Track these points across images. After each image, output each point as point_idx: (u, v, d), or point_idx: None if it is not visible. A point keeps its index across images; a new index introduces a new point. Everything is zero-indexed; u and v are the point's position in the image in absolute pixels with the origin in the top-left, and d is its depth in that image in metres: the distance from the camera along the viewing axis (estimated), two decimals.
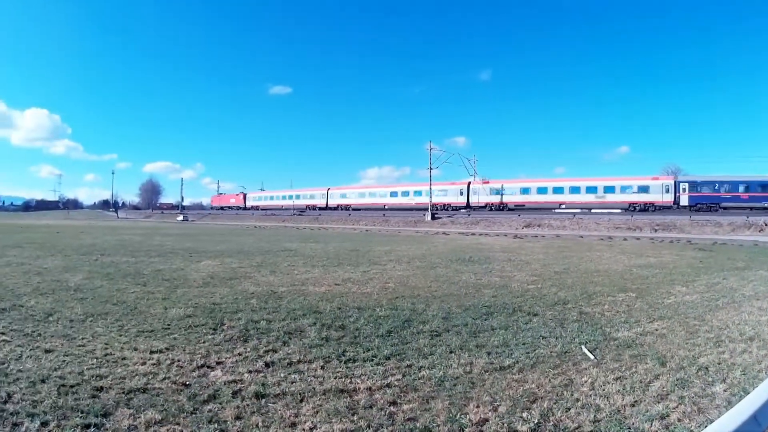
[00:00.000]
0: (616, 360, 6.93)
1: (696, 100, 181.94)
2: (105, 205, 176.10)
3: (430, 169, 69.76)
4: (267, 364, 6.65)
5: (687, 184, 58.11)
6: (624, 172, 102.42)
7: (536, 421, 4.90)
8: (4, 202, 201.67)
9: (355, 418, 4.99)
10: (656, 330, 8.65)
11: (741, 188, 55.18)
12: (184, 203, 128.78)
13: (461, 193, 74.37)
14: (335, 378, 6.17)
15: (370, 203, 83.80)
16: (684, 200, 57.82)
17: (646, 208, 59.55)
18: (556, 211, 58.02)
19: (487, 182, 72.91)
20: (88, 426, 4.64)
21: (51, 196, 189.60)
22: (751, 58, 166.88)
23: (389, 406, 5.30)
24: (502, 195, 69.23)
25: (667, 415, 5.02)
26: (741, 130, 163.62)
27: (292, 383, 5.95)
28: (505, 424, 4.84)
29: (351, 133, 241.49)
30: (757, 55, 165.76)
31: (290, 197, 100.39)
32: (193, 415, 4.96)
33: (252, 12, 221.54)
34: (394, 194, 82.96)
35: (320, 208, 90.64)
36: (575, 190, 64.31)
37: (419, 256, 22.23)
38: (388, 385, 5.92)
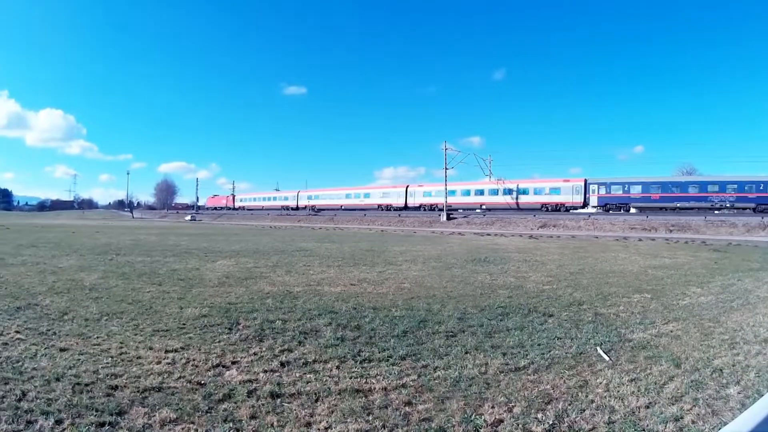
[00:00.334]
0: (631, 361, 6.93)
1: (713, 98, 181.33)
2: (120, 205, 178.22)
3: (446, 169, 69.74)
4: (282, 364, 6.69)
5: (597, 186, 62.12)
6: (639, 172, 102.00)
7: (551, 422, 4.91)
8: (19, 202, 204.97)
9: (370, 418, 5.01)
10: (671, 331, 8.64)
11: (652, 189, 58.60)
12: (199, 203, 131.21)
13: (399, 196, 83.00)
14: (350, 378, 6.20)
15: (336, 204, 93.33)
16: (593, 201, 62.13)
17: (558, 208, 64.45)
18: (477, 210, 64.58)
19: (422, 186, 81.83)
20: (102, 424, 4.70)
21: (66, 196, 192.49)
22: None
23: (404, 406, 5.33)
24: (448, 196, 73.14)
25: (682, 417, 5.01)
26: (760, 129, 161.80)
27: (308, 383, 5.99)
28: (520, 425, 4.85)
29: (366, 133, 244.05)
30: None
31: (270, 198, 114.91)
32: (208, 414, 5.01)
33: (267, 12, 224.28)
34: (348, 195, 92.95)
35: (292, 209, 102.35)
36: (494, 192, 71.28)
37: (435, 256, 22.21)
38: (404, 386, 5.94)
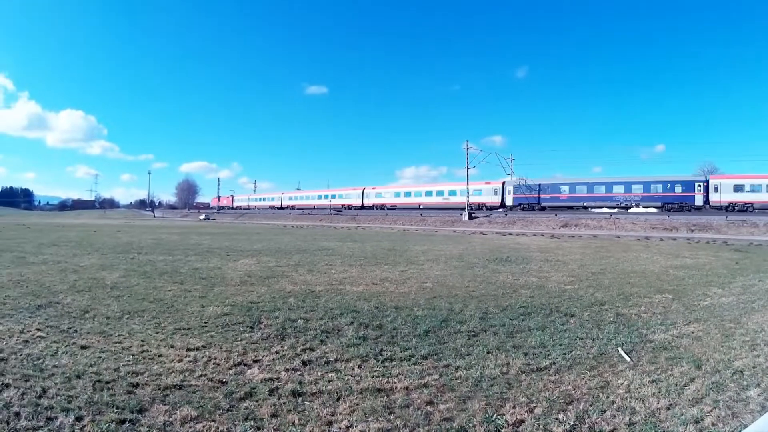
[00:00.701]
0: (652, 362, 6.90)
1: (734, 96, 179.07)
2: (141, 204, 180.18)
3: (467, 168, 69.74)
4: (304, 363, 6.74)
5: (512, 187, 70.82)
6: (658, 171, 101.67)
7: (572, 422, 4.92)
8: (40, 202, 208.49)
9: (392, 417, 5.04)
10: (692, 332, 8.58)
11: (562, 189, 66.23)
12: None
13: (358, 197, 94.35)
14: (372, 377, 6.23)
15: (310, 204, 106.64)
16: (509, 201, 70.77)
17: (480, 207, 72.36)
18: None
19: (376, 187, 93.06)
20: (123, 421, 4.77)
21: (87, 196, 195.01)
22: None
23: (426, 405, 5.35)
24: (393, 198, 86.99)
25: (702, 419, 5.00)
26: None
27: (329, 382, 6.03)
28: (541, 426, 4.86)
29: (387, 133, 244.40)
30: None
31: (260, 199, 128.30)
32: (230, 413, 5.06)
33: (288, 12, 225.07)
34: (324, 197, 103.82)
35: (278, 208, 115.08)
36: (429, 194, 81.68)
37: (456, 255, 22.16)
38: (425, 385, 5.97)
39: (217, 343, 7.58)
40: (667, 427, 4.84)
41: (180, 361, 6.70)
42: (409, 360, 6.93)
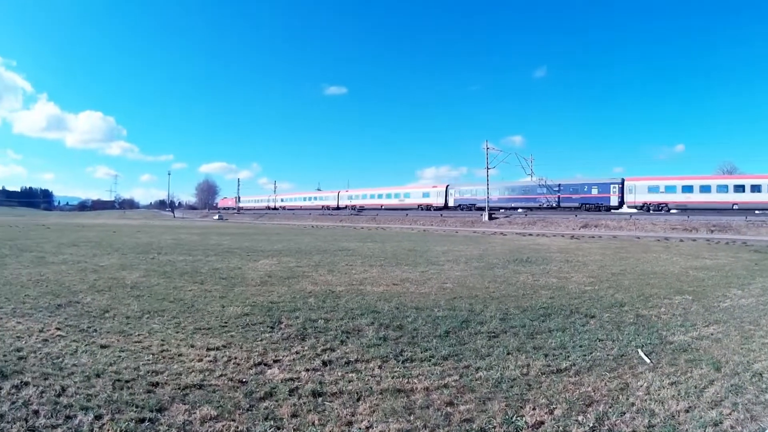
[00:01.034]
0: (672, 364, 6.89)
1: (755, 95, 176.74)
2: (161, 204, 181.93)
3: (487, 168, 70.21)
4: (324, 363, 6.79)
5: (454, 190, 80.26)
6: (678, 171, 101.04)
7: (591, 424, 4.93)
8: (59, 202, 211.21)
9: (412, 418, 5.06)
10: (711, 334, 8.56)
11: (493, 192, 71.99)
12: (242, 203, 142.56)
13: (334, 199, 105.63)
14: (392, 378, 6.26)
15: (297, 205, 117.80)
16: (451, 202, 79.43)
17: (429, 208, 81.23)
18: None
19: (349, 190, 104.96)
20: (142, 420, 4.84)
21: (107, 196, 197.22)
22: None
23: (446, 406, 5.38)
24: (362, 199, 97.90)
25: (721, 422, 5.00)
26: None
27: (349, 382, 6.07)
28: (561, 427, 4.88)
29: (407, 133, 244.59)
30: None
31: (259, 201, 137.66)
32: (249, 412, 5.11)
33: (307, 12, 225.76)
34: (309, 198, 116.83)
35: (272, 209, 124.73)
36: (389, 196, 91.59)
37: (476, 256, 22.14)
38: (445, 386, 5.99)
39: (237, 343, 7.65)
40: (686, 430, 4.86)
41: (200, 360, 6.77)
42: (430, 361, 6.96)
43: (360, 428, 4.82)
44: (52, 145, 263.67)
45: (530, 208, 68.68)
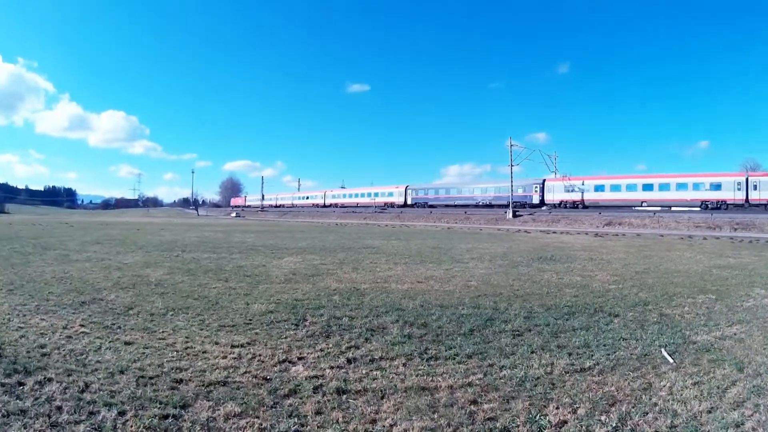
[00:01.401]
0: (695, 364, 6.86)
1: None
2: (185, 203, 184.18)
3: (511, 166, 70.58)
4: (349, 361, 6.84)
5: (411, 191, 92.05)
6: (699, 168, 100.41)
7: (614, 424, 4.93)
8: (83, 201, 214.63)
9: (436, 416, 5.09)
10: (734, 334, 8.48)
11: (440, 192, 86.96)
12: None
13: (320, 198, 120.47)
14: (417, 375, 6.30)
15: (289, 203, 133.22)
16: (409, 201, 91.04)
17: (393, 205, 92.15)
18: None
19: (333, 190, 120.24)
20: (166, 416, 4.91)
21: (130, 195, 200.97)
22: None
23: (470, 405, 5.39)
24: (341, 198, 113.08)
25: (743, 423, 4.97)
26: None
27: (374, 380, 6.11)
28: (584, 427, 4.89)
29: (431, 131, 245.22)
30: None
31: (258, 200, 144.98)
32: (273, 409, 5.17)
33: (329, 10, 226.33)
34: (302, 198, 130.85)
35: (276, 207, 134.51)
36: (363, 195, 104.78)
37: (501, 254, 22.10)
38: (469, 384, 6.02)
39: (261, 340, 7.74)
40: (708, 431, 4.84)
41: (224, 357, 6.86)
42: (454, 359, 7.00)
43: (384, 426, 4.85)
44: (74, 145, 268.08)
45: (468, 206, 77.82)
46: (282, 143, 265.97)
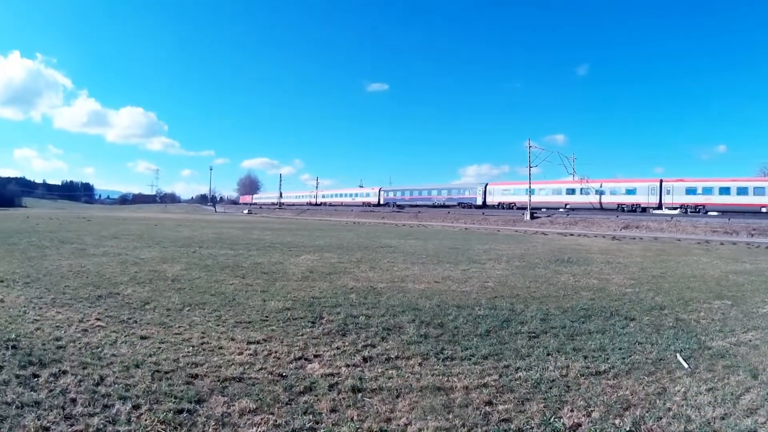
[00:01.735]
0: (709, 370, 6.86)
1: None
2: (203, 199, 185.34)
3: (530, 167, 70.77)
4: (365, 359, 6.88)
5: (384, 192, 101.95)
6: (717, 173, 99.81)
7: (628, 428, 4.95)
8: (100, 196, 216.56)
9: (450, 416, 5.12)
10: (750, 340, 8.46)
11: (407, 193, 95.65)
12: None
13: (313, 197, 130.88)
14: (432, 375, 6.32)
15: (291, 201, 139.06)
16: (382, 201, 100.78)
17: (370, 204, 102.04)
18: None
19: (323, 190, 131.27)
20: (180, 411, 4.98)
21: (148, 191, 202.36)
22: None
23: (485, 405, 5.42)
24: (333, 198, 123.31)
25: (756, 431, 4.97)
26: None
27: (389, 379, 6.14)
28: (598, 430, 4.91)
29: (449, 131, 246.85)
30: None
31: (259, 198, 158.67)
32: (288, 406, 5.22)
33: (348, 9, 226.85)
34: (297, 197, 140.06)
35: (270, 205, 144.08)
36: (347, 195, 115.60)
37: (518, 255, 22.08)
38: (485, 385, 6.04)
39: (277, 337, 7.80)
40: None
41: (240, 353, 6.93)
42: (470, 359, 7.02)
43: (398, 425, 4.88)
44: (92, 140, 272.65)
45: (426, 206, 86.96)
46: (300, 141, 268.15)
